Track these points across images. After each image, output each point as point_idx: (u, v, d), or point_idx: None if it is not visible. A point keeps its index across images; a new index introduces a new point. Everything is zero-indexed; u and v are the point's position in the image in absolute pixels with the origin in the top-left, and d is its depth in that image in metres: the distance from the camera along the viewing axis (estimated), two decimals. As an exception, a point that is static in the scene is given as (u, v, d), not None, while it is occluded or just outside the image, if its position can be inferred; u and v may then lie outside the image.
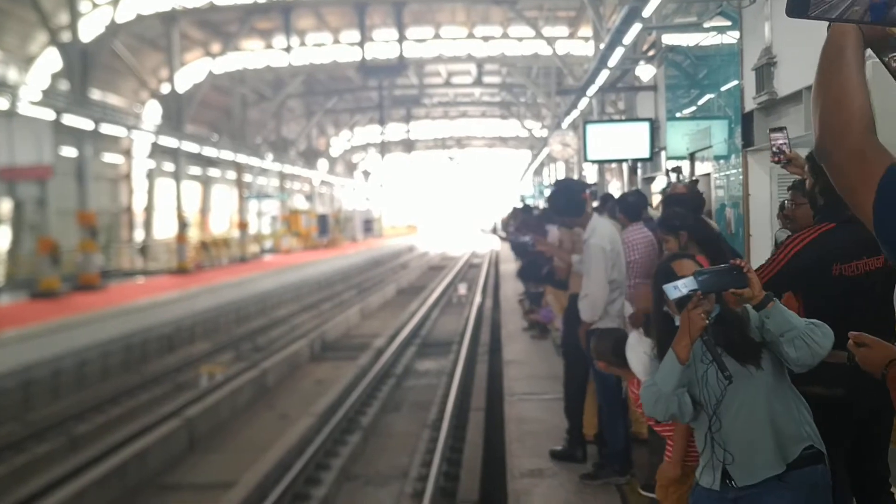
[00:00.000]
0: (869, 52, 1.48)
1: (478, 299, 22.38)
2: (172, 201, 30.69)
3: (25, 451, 10.38)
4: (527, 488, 5.51)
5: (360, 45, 28.90)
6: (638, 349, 4.68)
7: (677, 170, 12.13)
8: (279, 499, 7.83)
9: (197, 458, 10.47)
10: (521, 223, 11.78)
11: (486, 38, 36.03)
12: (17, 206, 24.55)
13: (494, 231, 15.65)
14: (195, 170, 37.67)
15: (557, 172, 37.66)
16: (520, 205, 22.71)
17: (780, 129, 4.01)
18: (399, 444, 10.34)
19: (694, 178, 10.58)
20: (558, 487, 5.50)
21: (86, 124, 21.93)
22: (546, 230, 8.98)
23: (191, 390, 13.43)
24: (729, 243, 5.72)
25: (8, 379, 12.22)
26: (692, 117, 11.96)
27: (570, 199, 5.99)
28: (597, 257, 5.56)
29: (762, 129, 8.92)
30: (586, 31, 29.42)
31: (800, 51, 6.96)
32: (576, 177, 25.45)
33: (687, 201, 5.51)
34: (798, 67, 7.09)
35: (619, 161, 16.78)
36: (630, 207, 6.66)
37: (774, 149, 4.00)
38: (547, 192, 29.50)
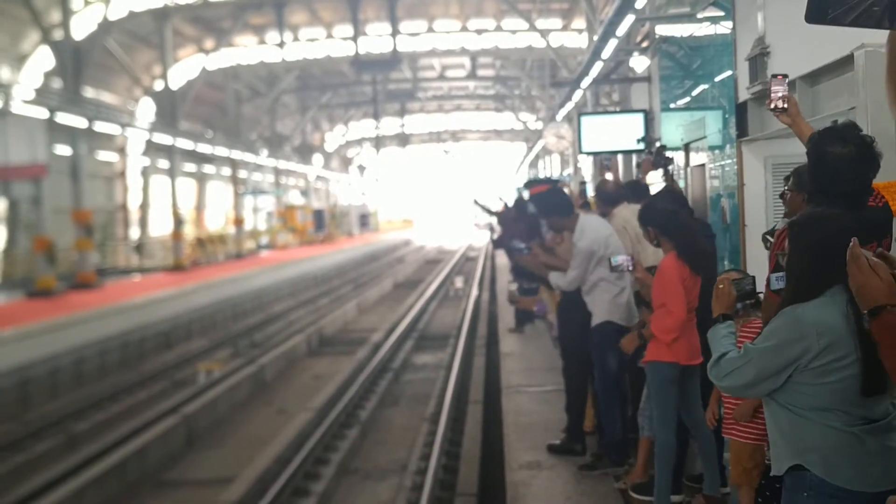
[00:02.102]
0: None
1: (474, 292, 22.40)
2: (168, 198, 30.62)
3: (24, 450, 10.38)
4: (525, 480, 5.53)
5: (354, 39, 28.85)
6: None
7: (662, 146, 11.84)
8: (278, 494, 7.84)
9: (196, 455, 10.49)
10: (504, 222, 11.44)
11: (479, 31, 35.96)
12: (11, 205, 24.53)
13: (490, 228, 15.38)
14: (190, 166, 37.61)
15: (552, 164, 37.67)
16: (511, 199, 22.47)
17: (782, 78, 3.87)
18: (398, 438, 10.36)
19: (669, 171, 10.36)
20: (556, 479, 5.52)
21: (80, 122, 21.86)
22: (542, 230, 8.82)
23: (189, 387, 13.44)
24: (712, 240, 5.74)
25: (6, 378, 12.21)
26: (686, 108, 11.95)
27: (557, 200, 6.05)
28: (582, 259, 5.72)
29: (756, 119, 8.92)
30: (580, 23, 29.39)
31: (793, 41, 6.96)
32: (571, 170, 25.44)
33: (671, 196, 5.51)
34: (791, 57, 7.09)
35: (615, 153, 16.78)
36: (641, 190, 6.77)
37: (777, 98, 3.85)
38: (521, 193, 29.30)
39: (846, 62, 5.50)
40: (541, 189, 6.76)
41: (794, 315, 2.48)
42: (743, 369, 2.55)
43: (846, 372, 2.38)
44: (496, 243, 11.85)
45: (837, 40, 5.44)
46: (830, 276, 2.46)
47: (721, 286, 2.94)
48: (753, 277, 3.07)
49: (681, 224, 4.85)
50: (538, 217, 6.66)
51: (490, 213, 10.19)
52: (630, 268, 5.06)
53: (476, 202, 11.68)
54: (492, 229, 13.93)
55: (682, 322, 4.66)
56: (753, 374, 2.53)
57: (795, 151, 5.42)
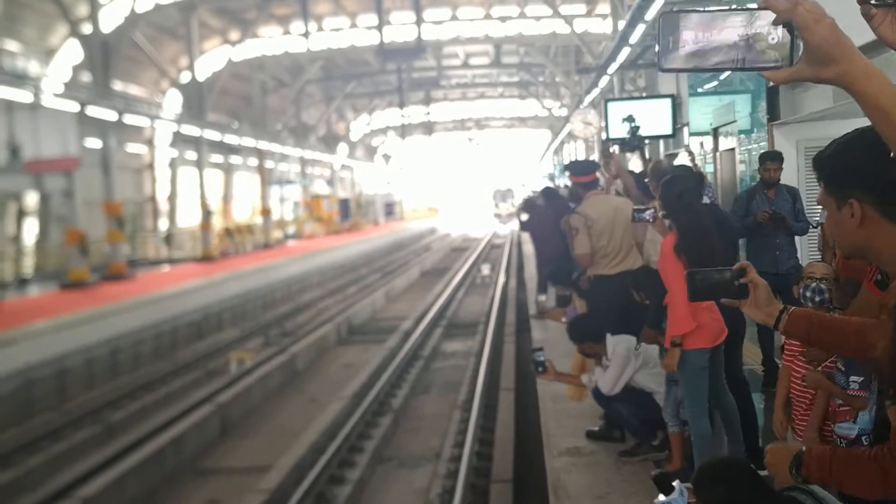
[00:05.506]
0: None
1: (501, 279, 22.42)
2: (195, 189, 30.88)
3: (64, 438, 10.56)
4: (566, 466, 5.55)
5: (378, 28, 28.85)
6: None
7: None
8: (315, 481, 7.94)
9: (231, 443, 10.62)
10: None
11: (503, 19, 35.88)
12: (43, 198, 24.83)
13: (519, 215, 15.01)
14: (217, 157, 37.86)
15: (577, 151, 37.53)
16: (538, 187, 22.47)
17: None
18: (430, 426, 10.42)
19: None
20: (597, 465, 5.54)
21: (109, 115, 22.08)
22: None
23: (222, 376, 13.59)
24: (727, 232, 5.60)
25: (44, 368, 12.41)
26: (715, 92, 11.88)
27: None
28: (621, 361, 5.62)
29: (788, 102, 8.86)
30: (604, 7, 29.22)
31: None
32: (596, 155, 25.33)
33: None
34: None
35: (643, 139, 16.71)
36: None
37: None
38: (560, 175, 29.21)
39: (875, 46, 5.45)
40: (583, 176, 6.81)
41: None
42: None
43: None
44: (523, 226, 12.04)
45: (865, 24, 5.40)
46: None
47: None
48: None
49: (687, 208, 4.64)
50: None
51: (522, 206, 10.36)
52: (651, 220, 5.03)
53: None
54: (521, 214, 14.10)
55: (690, 304, 4.33)
56: None
57: (829, 134, 5.39)
